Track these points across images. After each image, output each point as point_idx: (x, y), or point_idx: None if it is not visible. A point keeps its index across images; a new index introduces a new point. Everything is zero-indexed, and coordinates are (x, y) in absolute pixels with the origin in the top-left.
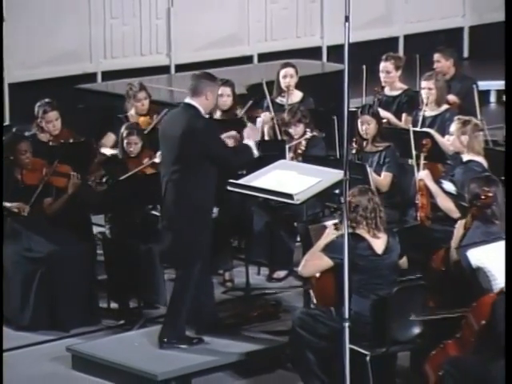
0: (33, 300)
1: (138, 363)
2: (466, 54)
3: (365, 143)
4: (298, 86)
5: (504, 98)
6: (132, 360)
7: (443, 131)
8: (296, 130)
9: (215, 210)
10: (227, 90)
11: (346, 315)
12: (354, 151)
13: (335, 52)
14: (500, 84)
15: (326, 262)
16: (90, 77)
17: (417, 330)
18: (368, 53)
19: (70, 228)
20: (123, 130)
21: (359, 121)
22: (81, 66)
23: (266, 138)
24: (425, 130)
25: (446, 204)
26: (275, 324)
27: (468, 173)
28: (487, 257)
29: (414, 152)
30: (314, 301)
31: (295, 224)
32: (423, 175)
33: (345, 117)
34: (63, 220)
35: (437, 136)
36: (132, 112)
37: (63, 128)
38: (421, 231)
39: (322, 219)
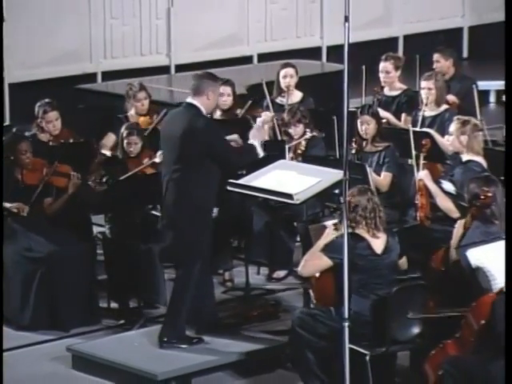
0: (33, 300)
1: (137, 363)
2: (465, 54)
3: (364, 143)
4: (297, 86)
5: (504, 98)
6: (132, 360)
7: (443, 131)
8: (296, 130)
9: (215, 209)
10: (228, 90)
11: (346, 315)
12: (353, 151)
13: (335, 52)
14: (499, 84)
15: (326, 262)
16: (90, 77)
17: (416, 330)
18: (367, 53)
19: (70, 228)
20: (123, 130)
21: (359, 121)
22: (81, 66)
23: (266, 138)
24: (424, 130)
25: (446, 204)
26: (275, 324)
27: (467, 173)
28: (487, 257)
29: (413, 152)
30: (314, 300)
31: (295, 224)
32: (423, 175)
33: (344, 117)
34: (63, 220)
35: (436, 136)
36: (132, 112)
37: (63, 128)
38: (420, 231)
39: (321, 219)
